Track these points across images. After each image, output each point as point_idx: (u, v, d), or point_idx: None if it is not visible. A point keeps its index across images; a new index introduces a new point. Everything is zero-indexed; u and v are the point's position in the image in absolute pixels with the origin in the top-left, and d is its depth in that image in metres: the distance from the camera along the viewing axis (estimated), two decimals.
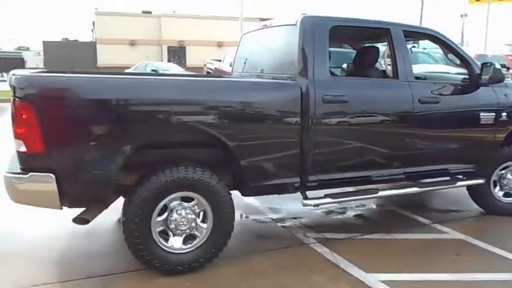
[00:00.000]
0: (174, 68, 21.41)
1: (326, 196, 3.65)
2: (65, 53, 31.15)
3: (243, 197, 3.80)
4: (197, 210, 3.18)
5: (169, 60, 31.56)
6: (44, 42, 29.33)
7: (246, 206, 4.71)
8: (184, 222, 3.12)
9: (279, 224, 4.28)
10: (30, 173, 2.73)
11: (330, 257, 3.51)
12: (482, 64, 3.99)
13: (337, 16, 3.67)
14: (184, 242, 3.18)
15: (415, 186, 4.07)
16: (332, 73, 3.65)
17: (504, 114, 4.24)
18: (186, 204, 3.13)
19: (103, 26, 30.65)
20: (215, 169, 3.24)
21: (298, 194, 3.61)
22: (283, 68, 3.65)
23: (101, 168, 2.85)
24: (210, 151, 3.30)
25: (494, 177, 4.55)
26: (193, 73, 9.40)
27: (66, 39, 34.80)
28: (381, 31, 3.90)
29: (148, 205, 2.99)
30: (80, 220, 3.02)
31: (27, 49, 39.98)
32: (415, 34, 4.26)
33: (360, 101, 3.59)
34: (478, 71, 4.09)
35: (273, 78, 3.66)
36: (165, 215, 3.10)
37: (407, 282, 3.14)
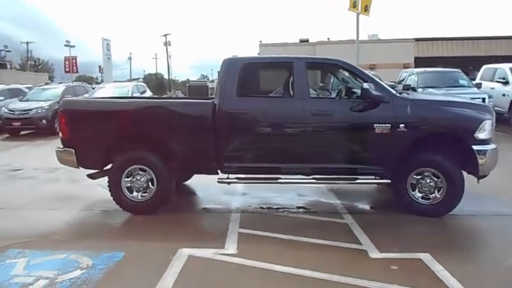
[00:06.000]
0: None
1: (236, 178, 5.35)
2: None
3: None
4: (148, 177, 5.37)
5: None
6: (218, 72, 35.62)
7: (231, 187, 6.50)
8: (139, 184, 5.36)
9: (230, 198, 6.07)
10: (64, 148, 5.45)
11: (232, 217, 5.19)
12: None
13: (249, 56, 5.39)
14: (142, 195, 5.40)
15: (314, 179, 5.32)
16: (240, 94, 5.29)
17: (402, 125, 5.05)
18: (142, 172, 5.37)
19: (265, 54, 35.19)
20: (166, 155, 5.37)
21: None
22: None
23: (95, 148, 5.36)
24: (159, 144, 5.41)
25: (411, 181, 5.27)
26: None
27: None
28: (286, 63, 5.41)
29: (119, 170, 5.35)
30: (90, 176, 5.60)
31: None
32: (319, 64, 5.53)
33: (259, 113, 5.22)
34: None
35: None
36: (130, 178, 5.39)
37: (254, 235, 4.63)
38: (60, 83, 21.52)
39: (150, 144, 5.40)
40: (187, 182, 6.83)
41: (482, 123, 5.08)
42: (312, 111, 5.15)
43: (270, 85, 5.63)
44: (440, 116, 5.16)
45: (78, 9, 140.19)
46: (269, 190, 6.34)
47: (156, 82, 62.68)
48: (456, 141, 5.18)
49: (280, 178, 5.33)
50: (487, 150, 5.08)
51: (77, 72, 48.84)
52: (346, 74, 5.60)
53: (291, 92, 5.31)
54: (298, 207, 5.70)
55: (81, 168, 5.56)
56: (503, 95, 12.57)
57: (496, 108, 12.12)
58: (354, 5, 16.58)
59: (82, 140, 5.40)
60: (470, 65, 29.48)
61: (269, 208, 5.67)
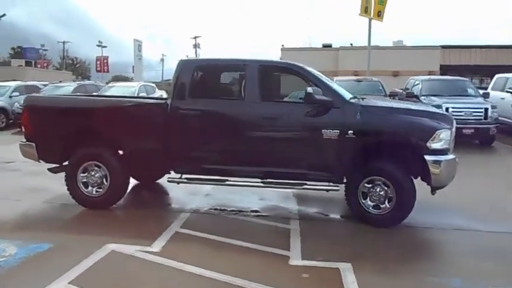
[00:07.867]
0: None
1: (185, 178, 5.39)
2: None
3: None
4: (103, 173, 5.50)
5: None
6: None
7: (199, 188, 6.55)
8: (94, 179, 5.49)
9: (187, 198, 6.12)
10: (26, 142, 5.66)
11: (180, 216, 5.23)
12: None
13: (202, 58, 5.42)
14: (97, 190, 5.54)
15: (261, 182, 5.27)
16: (192, 95, 5.32)
17: (350, 132, 4.94)
18: (97, 168, 5.51)
19: (287, 59, 35.04)
20: (120, 152, 5.49)
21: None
22: None
23: (53, 143, 5.55)
24: (113, 141, 5.53)
25: (362, 189, 5.13)
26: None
27: None
28: (240, 66, 5.41)
29: (75, 166, 5.51)
30: (51, 170, 5.79)
31: None
32: (273, 68, 5.50)
33: (209, 115, 5.24)
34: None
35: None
36: (86, 173, 5.54)
37: (189, 235, 4.65)
38: (78, 81, 22.24)
39: (105, 141, 5.53)
40: (160, 181, 6.94)
41: (436, 132, 4.90)
42: (261, 114, 5.12)
43: (223, 87, 5.64)
44: (390, 123, 5.01)
45: (118, 10, 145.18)
46: (234, 192, 6.33)
47: None
48: (408, 150, 5.01)
49: (228, 180, 5.32)
50: (441, 160, 4.89)
51: (108, 71, 50.41)
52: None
53: (242, 94, 5.31)
54: (252, 211, 5.67)
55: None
56: None
57: (502, 118, 11.62)
58: (365, 10, 16.36)
59: (42, 135, 5.60)
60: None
61: (222, 210, 5.67)
